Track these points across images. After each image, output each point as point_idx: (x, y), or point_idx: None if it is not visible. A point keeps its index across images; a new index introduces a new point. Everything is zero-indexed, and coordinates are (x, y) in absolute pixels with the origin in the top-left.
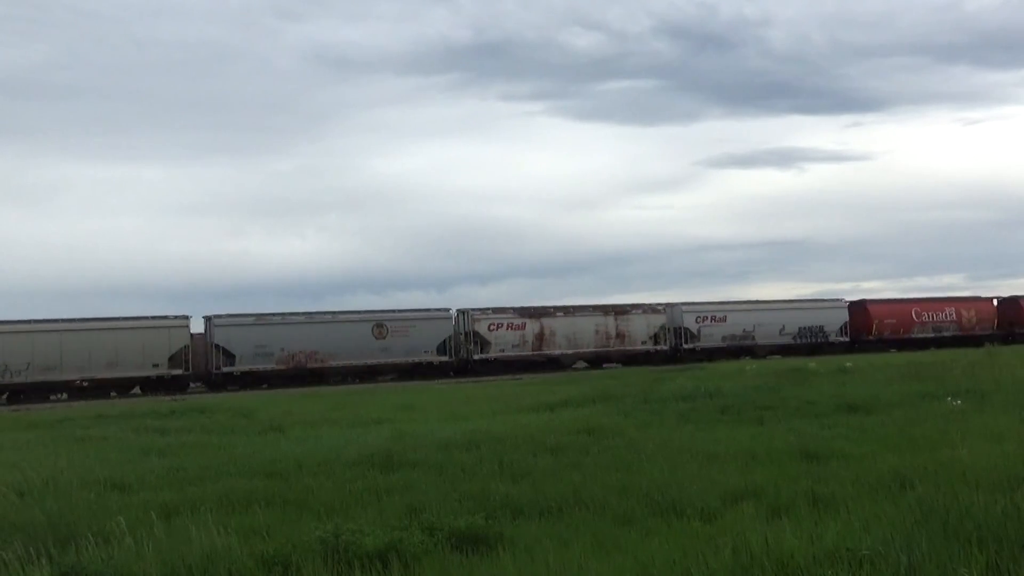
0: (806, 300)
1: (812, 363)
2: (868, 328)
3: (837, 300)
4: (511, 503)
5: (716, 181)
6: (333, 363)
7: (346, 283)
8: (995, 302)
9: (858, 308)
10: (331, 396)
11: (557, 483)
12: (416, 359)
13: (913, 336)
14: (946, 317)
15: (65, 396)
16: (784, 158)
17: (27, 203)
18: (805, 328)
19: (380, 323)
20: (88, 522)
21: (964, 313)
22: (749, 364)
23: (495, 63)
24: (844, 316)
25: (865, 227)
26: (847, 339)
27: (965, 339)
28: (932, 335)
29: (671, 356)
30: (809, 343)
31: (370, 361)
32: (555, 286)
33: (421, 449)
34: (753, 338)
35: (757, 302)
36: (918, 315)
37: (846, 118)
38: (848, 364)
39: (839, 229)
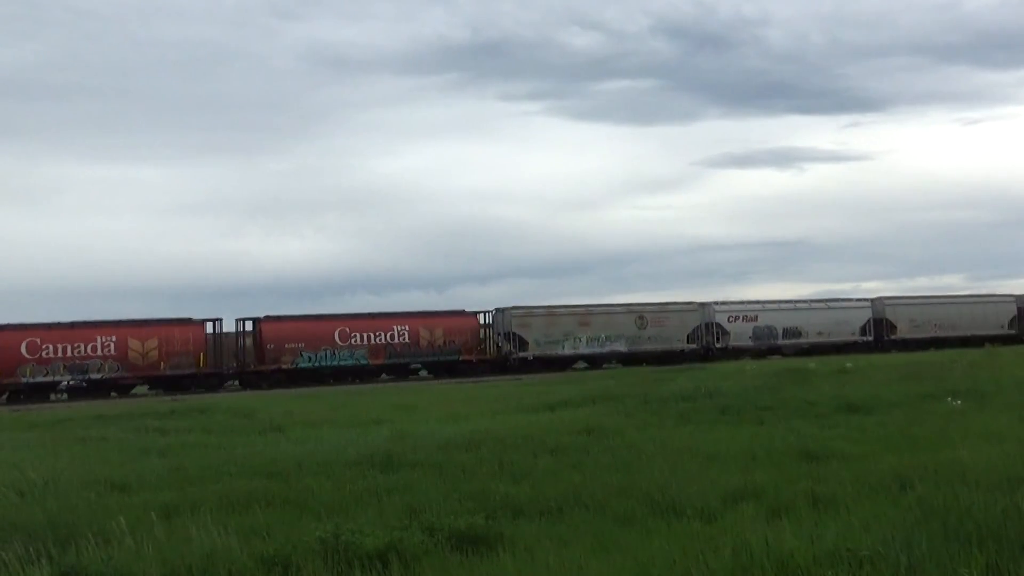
0: None
1: (812, 363)
2: None
3: None
4: (511, 503)
5: (715, 181)
6: None
7: (345, 283)
8: (207, 326)
9: None
10: (331, 396)
11: (557, 483)
12: None
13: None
14: (106, 351)
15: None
16: (783, 158)
17: (25, 203)
18: None
19: None
20: (88, 522)
21: (136, 344)
22: (749, 364)
23: (493, 63)
24: None
25: (865, 227)
26: None
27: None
28: (69, 379)
29: None
30: None
31: None
32: (554, 286)
33: (421, 449)
34: None
35: None
36: (35, 350)
37: (845, 118)
38: (848, 364)
39: (839, 229)
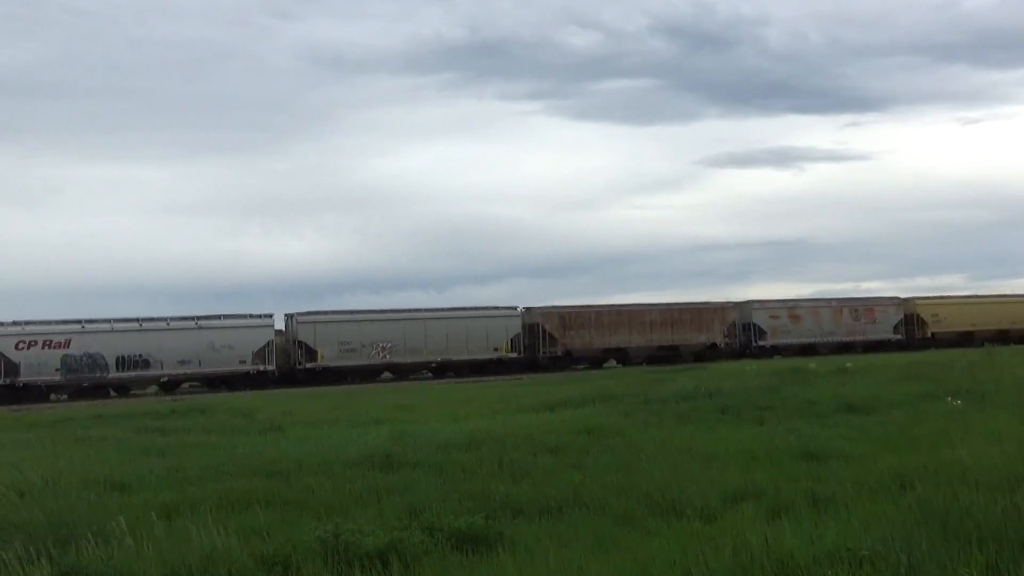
0: None
1: (812, 363)
2: None
3: None
4: (511, 503)
5: (715, 181)
6: None
7: (344, 283)
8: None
9: None
10: (331, 396)
11: (557, 483)
12: None
13: None
14: None
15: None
16: (783, 158)
17: (24, 203)
18: None
19: None
20: (88, 522)
21: None
22: (749, 364)
23: (491, 62)
24: None
25: (865, 227)
26: None
27: None
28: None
29: None
30: None
31: None
32: (554, 286)
33: (421, 449)
34: None
35: None
36: None
37: (844, 117)
38: (848, 364)
39: (839, 229)
